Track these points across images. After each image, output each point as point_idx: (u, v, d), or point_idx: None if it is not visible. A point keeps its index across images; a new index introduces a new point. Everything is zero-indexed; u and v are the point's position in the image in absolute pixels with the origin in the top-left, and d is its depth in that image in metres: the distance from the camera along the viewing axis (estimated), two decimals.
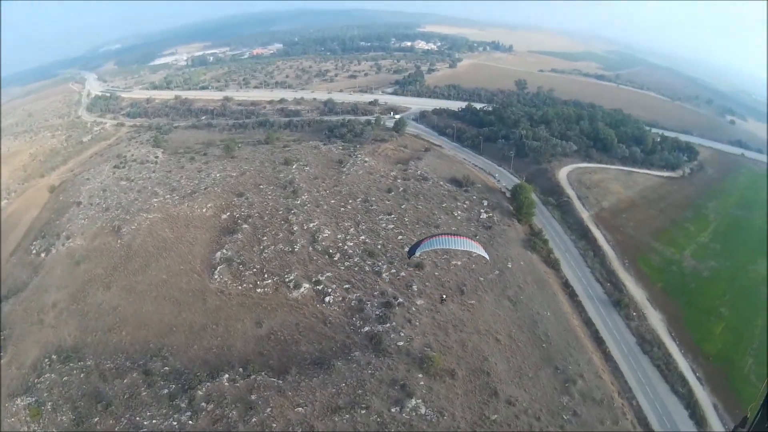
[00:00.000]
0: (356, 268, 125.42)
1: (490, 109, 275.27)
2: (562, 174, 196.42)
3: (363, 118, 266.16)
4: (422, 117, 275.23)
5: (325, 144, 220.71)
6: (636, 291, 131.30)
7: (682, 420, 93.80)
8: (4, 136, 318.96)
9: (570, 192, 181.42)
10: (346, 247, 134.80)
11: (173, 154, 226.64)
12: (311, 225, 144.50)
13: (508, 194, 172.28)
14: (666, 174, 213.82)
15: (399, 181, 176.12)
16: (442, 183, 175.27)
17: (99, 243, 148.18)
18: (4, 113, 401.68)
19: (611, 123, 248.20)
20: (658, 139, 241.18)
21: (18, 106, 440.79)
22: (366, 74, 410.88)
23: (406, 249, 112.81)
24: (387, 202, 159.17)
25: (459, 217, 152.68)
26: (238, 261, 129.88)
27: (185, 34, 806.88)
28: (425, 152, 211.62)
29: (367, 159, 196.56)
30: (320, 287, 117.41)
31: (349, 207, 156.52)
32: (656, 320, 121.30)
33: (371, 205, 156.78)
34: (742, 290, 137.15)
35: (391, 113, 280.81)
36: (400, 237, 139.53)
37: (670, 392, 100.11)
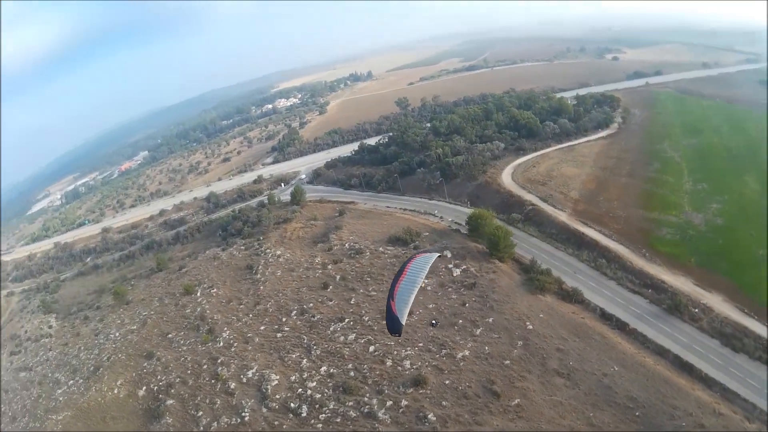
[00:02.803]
0: (338, 419, 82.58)
1: (387, 140, 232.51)
2: (507, 179, 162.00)
3: (254, 202, 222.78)
4: (317, 176, 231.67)
5: (223, 249, 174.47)
6: (677, 282, 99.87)
7: None
8: None
9: (529, 197, 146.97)
10: (309, 391, 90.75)
11: (66, 317, 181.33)
12: (250, 374, 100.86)
13: (465, 230, 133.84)
14: (604, 134, 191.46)
15: (330, 267, 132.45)
16: (381, 249, 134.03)
17: None
18: None
19: (521, 105, 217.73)
20: (575, 102, 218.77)
21: None
22: (239, 152, 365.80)
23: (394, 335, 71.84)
24: (330, 303, 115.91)
25: (429, 287, 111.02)
26: None
27: (55, 171, 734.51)
28: (341, 216, 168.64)
29: (279, 252, 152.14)
30: None
31: (286, 329, 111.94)
32: (719, 304, 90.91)
33: (313, 316, 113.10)
34: (758, 217, 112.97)
35: (281, 185, 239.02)
36: (372, 349, 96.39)
37: None
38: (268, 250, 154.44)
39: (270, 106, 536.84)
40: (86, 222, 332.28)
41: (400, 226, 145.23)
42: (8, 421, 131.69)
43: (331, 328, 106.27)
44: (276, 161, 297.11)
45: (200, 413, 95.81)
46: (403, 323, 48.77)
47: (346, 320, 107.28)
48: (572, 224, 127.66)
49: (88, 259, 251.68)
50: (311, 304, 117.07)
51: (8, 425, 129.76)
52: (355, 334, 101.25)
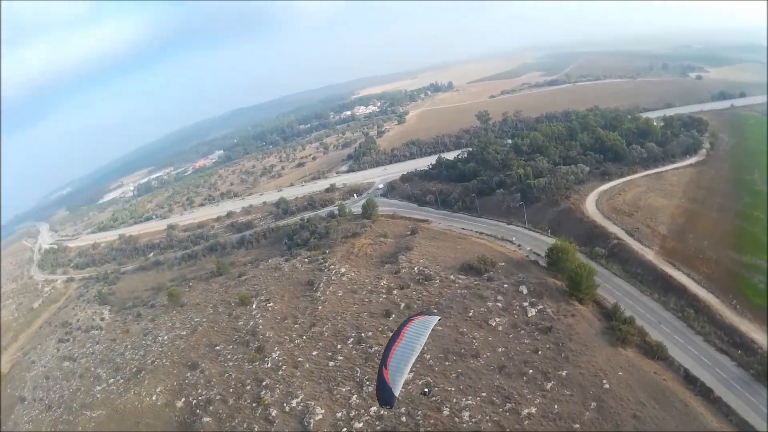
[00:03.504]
0: None
1: (466, 155, 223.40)
2: (591, 207, 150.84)
3: (324, 211, 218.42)
4: (391, 189, 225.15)
5: (287, 259, 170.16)
6: None
7: None
8: None
9: (614, 229, 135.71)
10: None
11: (120, 312, 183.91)
12: (294, 403, 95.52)
13: (543, 262, 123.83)
14: (692, 160, 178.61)
15: (395, 293, 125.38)
16: (452, 277, 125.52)
17: None
18: None
19: (606, 125, 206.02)
20: (662, 124, 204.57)
21: None
22: (314, 158, 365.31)
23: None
24: (390, 335, 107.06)
25: (500, 327, 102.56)
26: None
27: (131, 163, 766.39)
28: (412, 236, 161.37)
29: (343, 269, 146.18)
30: None
31: (340, 358, 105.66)
32: None
33: (370, 346, 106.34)
34: None
35: (354, 195, 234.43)
36: (431, 395, 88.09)
37: None
38: (333, 267, 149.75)
39: (349, 112, 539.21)
40: (154, 217, 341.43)
41: (474, 252, 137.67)
42: (43, 408, 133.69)
43: None
44: (351, 170, 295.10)
45: None
46: (397, 395, 43.95)
47: None
48: (660, 265, 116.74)
49: (151, 254, 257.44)
50: (370, 333, 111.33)
51: (43, 413, 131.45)
52: (413, 374, 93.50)
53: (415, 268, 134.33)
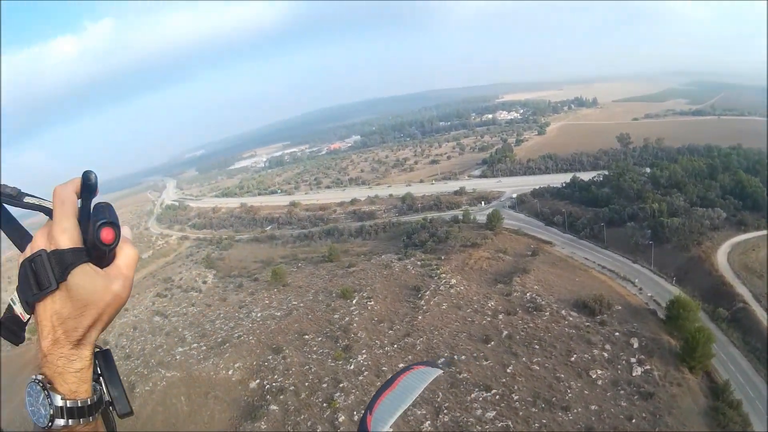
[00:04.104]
0: None
1: (602, 179, 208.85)
2: (722, 260, 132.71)
3: (448, 215, 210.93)
4: (520, 203, 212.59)
5: (400, 259, 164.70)
6: None
7: None
8: None
9: (742, 290, 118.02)
10: None
11: (223, 279, 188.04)
12: None
13: (662, 314, 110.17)
14: None
15: (501, 318, 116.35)
16: (564, 312, 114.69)
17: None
18: None
19: (749, 168, 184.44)
20: None
21: None
22: (449, 157, 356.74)
23: None
24: (484, 364, 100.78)
25: (600, 381, 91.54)
26: None
27: (267, 135, 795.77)
28: (532, 257, 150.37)
29: (453, 281, 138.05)
30: None
31: None
32: None
33: (459, 372, 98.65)
34: None
35: (482, 203, 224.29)
36: None
37: None
38: (444, 276, 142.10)
39: (490, 116, 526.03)
40: (279, 191, 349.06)
41: (592, 288, 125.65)
42: (122, 356, 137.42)
43: (473, 395, 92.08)
44: (483, 176, 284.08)
45: None
46: None
47: (493, 391, 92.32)
48: None
49: (268, 227, 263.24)
50: (463, 357, 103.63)
51: (120, 360, 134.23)
52: (494, 413, 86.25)
53: (528, 294, 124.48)
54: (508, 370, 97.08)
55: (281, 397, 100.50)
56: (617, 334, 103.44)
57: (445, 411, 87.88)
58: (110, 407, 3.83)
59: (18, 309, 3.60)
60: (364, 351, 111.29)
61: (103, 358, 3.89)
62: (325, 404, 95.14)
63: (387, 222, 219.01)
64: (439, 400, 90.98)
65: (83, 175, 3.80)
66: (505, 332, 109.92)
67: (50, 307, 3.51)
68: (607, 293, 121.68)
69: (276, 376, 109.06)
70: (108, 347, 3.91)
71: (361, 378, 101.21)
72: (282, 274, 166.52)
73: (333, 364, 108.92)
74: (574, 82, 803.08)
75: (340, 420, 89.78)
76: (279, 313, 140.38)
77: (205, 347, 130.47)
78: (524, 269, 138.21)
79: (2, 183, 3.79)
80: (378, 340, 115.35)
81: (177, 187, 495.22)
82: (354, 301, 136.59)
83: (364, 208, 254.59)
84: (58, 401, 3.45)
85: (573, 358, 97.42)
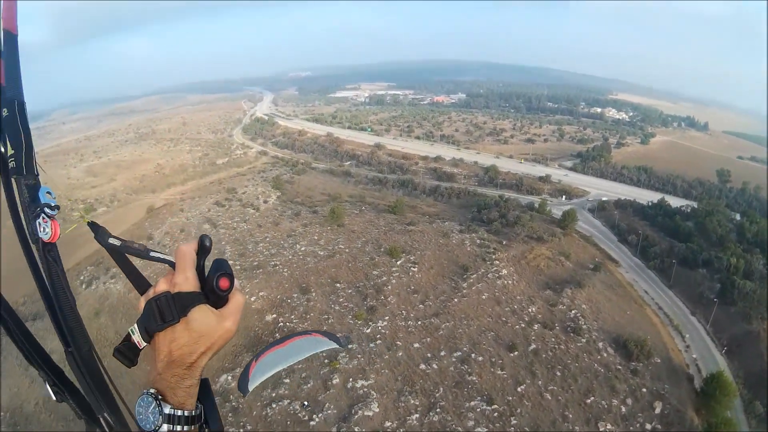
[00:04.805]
0: None
1: (689, 211, 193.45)
2: None
3: (525, 199, 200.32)
4: (600, 209, 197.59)
5: (461, 231, 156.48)
6: None
7: None
8: (147, 141, 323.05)
9: None
10: None
11: (284, 203, 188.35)
12: (359, 384, 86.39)
13: (698, 383, 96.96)
14: None
15: (535, 328, 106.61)
16: (601, 345, 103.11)
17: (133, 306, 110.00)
18: (165, 118, 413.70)
19: None
20: None
21: (182, 113, 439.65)
22: (546, 139, 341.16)
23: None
24: (498, 374, 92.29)
25: None
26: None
27: (375, 72, 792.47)
28: (592, 272, 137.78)
29: (504, 271, 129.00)
30: None
31: (434, 367, 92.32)
32: None
33: (470, 373, 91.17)
34: None
35: (563, 197, 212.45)
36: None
37: None
38: (497, 262, 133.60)
39: (599, 110, 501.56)
40: (368, 130, 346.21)
41: (640, 327, 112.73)
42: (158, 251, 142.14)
43: (473, 403, 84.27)
44: (573, 169, 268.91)
45: (286, 380, 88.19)
46: (251, 389, 46.88)
47: (494, 406, 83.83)
48: None
49: (347, 163, 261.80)
50: (480, 359, 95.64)
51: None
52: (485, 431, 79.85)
53: (572, 312, 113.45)
54: (519, 389, 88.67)
55: None
56: (644, 390, 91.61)
57: (439, 410, 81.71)
58: (205, 423, 4.45)
59: (136, 338, 4.33)
60: (386, 318, 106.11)
61: (203, 383, 4.51)
62: (326, 361, 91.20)
63: (463, 188, 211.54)
64: (437, 395, 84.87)
65: (200, 238, 4.60)
66: (533, 346, 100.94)
67: (169, 337, 4.25)
68: (653, 339, 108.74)
69: (293, 317, 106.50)
70: (207, 377, 4.61)
71: (372, 345, 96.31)
72: (340, 215, 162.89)
73: (351, 322, 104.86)
74: (690, 100, 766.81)
75: (334, 382, 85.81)
76: (322, 253, 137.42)
77: (239, 267, 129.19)
78: (579, 282, 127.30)
79: (130, 240, 4.61)
80: (405, 311, 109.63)
81: (273, 102, 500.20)
82: (399, 262, 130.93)
83: (445, 168, 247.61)
84: (167, 410, 4.06)
85: (589, 401, 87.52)
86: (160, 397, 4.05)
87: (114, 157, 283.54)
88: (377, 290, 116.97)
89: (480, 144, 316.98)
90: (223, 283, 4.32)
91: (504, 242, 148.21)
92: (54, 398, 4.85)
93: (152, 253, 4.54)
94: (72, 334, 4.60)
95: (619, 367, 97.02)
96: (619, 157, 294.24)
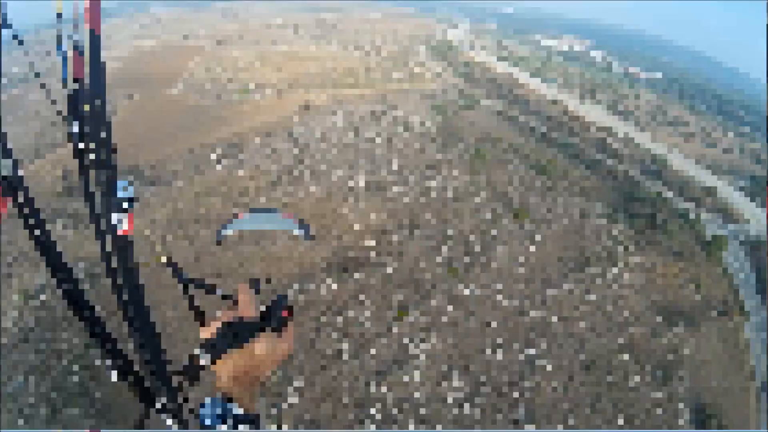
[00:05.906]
0: None
1: None
2: None
3: (683, 204, 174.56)
4: (755, 248, 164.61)
5: (599, 216, 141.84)
6: None
7: None
8: (326, 39, 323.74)
9: None
10: None
11: (439, 132, 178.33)
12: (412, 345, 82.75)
13: None
14: None
15: (625, 356, 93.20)
16: (681, 406, 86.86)
17: None
18: (352, 20, 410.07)
19: None
20: None
21: (371, 19, 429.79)
22: (725, 150, 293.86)
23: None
24: (556, 394, 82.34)
25: None
26: None
27: (579, 26, 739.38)
28: (716, 317, 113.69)
29: (626, 279, 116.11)
30: None
31: (498, 357, 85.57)
32: None
33: (528, 379, 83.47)
34: None
35: (720, 218, 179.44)
36: None
37: None
38: (621, 264, 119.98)
39: None
40: (554, 82, 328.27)
41: (733, 405, 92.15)
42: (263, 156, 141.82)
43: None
44: (742, 190, 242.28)
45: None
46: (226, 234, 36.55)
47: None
48: None
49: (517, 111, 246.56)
50: (549, 367, 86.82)
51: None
52: None
53: (671, 355, 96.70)
54: (570, 421, 79.25)
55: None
56: None
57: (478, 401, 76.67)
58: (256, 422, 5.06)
59: (203, 359, 5.06)
60: (481, 282, 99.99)
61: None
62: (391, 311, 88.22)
63: (625, 171, 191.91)
64: (482, 390, 79.21)
65: (253, 281, 5.75)
66: (610, 378, 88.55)
67: (236, 357, 5.11)
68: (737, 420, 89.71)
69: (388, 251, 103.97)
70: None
71: (449, 308, 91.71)
72: (484, 155, 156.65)
73: (441, 272, 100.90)
74: None
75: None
76: (449, 195, 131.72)
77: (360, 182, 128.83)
78: (697, 323, 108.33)
79: (200, 278, 5.67)
80: (500, 284, 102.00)
81: (467, 30, 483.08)
82: (521, 228, 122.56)
83: (615, 144, 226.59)
84: (235, 410, 4.79)
85: None
86: (226, 399, 4.82)
87: (289, 48, 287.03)
88: (485, 248, 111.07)
89: (658, 131, 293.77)
90: (286, 313, 5.57)
91: (642, 244, 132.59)
92: (115, 379, 5.21)
93: (218, 290, 5.77)
94: (141, 324, 5.07)
95: None
96: None
